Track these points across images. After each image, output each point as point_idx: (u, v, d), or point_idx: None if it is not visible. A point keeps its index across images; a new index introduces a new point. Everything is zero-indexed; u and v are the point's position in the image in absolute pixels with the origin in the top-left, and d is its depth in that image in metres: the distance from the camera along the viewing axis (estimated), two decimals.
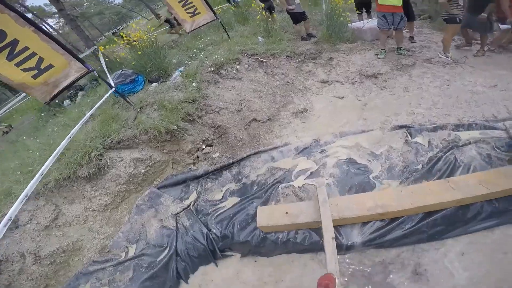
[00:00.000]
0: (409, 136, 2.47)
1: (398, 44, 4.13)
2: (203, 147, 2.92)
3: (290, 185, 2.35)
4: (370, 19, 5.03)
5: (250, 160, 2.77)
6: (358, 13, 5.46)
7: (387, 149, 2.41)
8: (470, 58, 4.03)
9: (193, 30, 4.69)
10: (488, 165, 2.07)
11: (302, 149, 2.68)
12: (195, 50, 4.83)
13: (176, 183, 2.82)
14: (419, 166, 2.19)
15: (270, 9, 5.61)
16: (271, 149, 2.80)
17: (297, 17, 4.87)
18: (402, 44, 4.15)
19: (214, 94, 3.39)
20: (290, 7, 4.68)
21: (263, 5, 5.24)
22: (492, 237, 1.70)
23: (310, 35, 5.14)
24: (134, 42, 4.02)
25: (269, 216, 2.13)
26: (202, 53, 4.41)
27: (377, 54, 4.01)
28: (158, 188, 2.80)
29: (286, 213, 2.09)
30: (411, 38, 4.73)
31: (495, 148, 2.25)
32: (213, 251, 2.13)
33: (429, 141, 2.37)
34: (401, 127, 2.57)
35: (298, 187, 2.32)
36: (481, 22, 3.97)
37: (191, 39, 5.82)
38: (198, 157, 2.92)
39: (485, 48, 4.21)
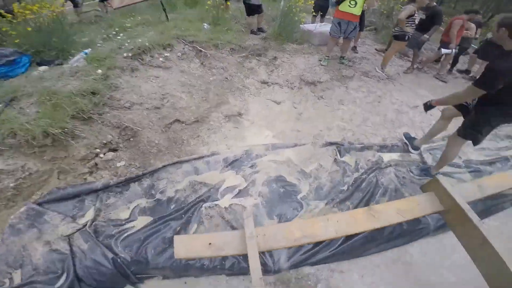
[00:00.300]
0: (338, 155, 2.57)
1: (342, 53, 4.28)
2: (103, 152, 2.38)
3: (216, 205, 2.14)
4: (322, 24, 5.12)
5: (167, 171, 2.40)
6: (313, 15, 5.55)
7: (316, 167, 2.44)
8: (401, 75, 4.48)
9: (123, 6, 3.97)
10: (402, 187, 2.39)
11: (232, 162, 2.47)
12: (117, 29, 4.08)
13: (65, 197, 2.24)
14: (345, 187, 2.31)
15: None
16: (195, 159, 2.48)
17: (253, 9, 4.65)
18: (346, 54, 4.31)
19: (128, 84, 2.84)
20: None
21: None
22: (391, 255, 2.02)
23: (260, 30, 5.00)
24: (29, 16, 3.19)
25: (189, 246, 1.83)
26: (121, 34, 3.72)
27: (321, 60, 4.08)
28: (39, 204, 2.18)
29: (210, 244, 1.85)
30: (354, 48, 5.02)
31: (410, 171, 2.52)
32: (125, 275, 1.82)
33: (355, 161, 2.53)
34: (331, 144, 2.66)
35: (225, 207, 2.13)
36: (420, 41, 4.42)
37: (120, 17, 5.01)
38: (96, 164, 2.38)
39: (414, 66, 4.75)
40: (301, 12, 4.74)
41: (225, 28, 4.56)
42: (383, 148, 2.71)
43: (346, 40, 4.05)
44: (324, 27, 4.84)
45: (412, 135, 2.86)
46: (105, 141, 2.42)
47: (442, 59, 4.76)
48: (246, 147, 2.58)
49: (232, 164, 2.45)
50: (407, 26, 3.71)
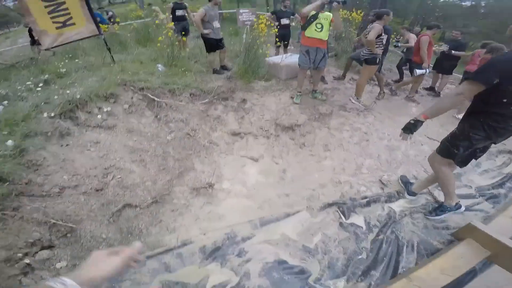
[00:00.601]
0: (342, 217, 2.36)
1: (314, 86, 4.28)
2: (34, 251, 1.86)
3: None
4: (288, 55, 5.24)
5: (128, 270, 1.86)
6: (277, 46, 5.70)
7: (321, 239, 2.17)
8: (376, 102, 4.61)
9: (56, 47, 3.73)
10: (428, 237, 2.22)
11: (212, 251, 2.07)
12: (47, 76, 3.65)
13: None
14: (363, 255, 2.09)
15: (184, 31, 5.36)
16: (162, 253, 2.03)
17: (213, 44, 4.56)
18: (318, 86, 4.31)
19: (55, 159, 2.35)
20: (206, 31, 4.34)
21: (171, 23, 4.76)
22: None
23: (224, 68, 4.92)
24: None
25: None
26: (40, 85, 3.28)
27: (293, 98, 4.01)
28: None
29: None
30: (322, 78, 5.11)
31: (427, 216, 2.42)
32: None
33: (365, 220, 2.36)
34: (330, 205, 2.45)
35: None
36: (379, 62, 4.54)
37: (58, 59, 4.70)
38: (29, 264, 1.80)
39: (384, 90, 4.90)
40: (265, 43, 4.77)
41: (182, 69, 4.36)
42: (391, 197, 2.60)
43: (317, 71, 4.06)
44: (290, 58, 4.92)
45: (411, 176, 2.83)
46: (31, 240, 1.88)
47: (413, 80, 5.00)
48: (226, 228, 2.19)
49: (213, 254, 2.05)
50: (376, 47, 3.73)
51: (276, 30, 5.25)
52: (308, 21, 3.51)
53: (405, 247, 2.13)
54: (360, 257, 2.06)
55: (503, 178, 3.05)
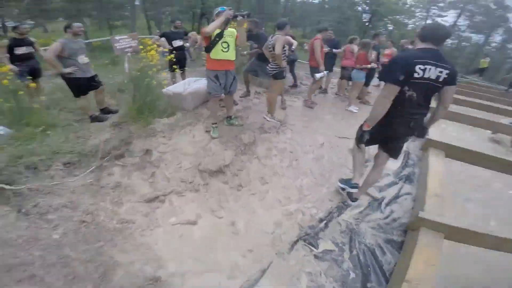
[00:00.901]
0: (313, 247, 2.39)
1: (229, 112, 4.03)
2: None
3: None
4: (191, 80, 4.79)
5: None
6: (174, 73, 5.24)
7: (308, 279, 2.11)
8: (287, 114, 4.78)
9: None
10: (387, 234, 2.55)
11: None
12: None
13: None
14: (353, 275, 2.20)
15: (33, 73, 4.16)
16: None
17: (83, 85, 3.69)
18: (232, 112, 4.11)
19: None
20: (68, 70, 3.46)
21: (8, 66, 3.63)
22: None
23: (107, 112, 4.07)
24: None
25: None
26: None
27: (209, 131, 3.67)
28: None
29: None
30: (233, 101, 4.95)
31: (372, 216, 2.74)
32: None
33: (333, 242, 2.45)
34: (296, 242, 2.43)
35: None
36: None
37: None
38: None
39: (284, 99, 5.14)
40: (160, 71, 4.19)
41: (40, 128, 3.28)
42: (340, 209, 2.78)
43: (229, 97, 3.81)
44: (194, 84, 4.52)
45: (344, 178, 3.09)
46: None
47: (311, 83, 5.43)
48: None
49: None
50: (282, 60, 3.70)
51: (172, 56, 4.80)
52: (213, 41, 3.21)
53: (376, 251, 2.40)
54: (350, 277, 2.18)
55: (403, 157, 3.72)
